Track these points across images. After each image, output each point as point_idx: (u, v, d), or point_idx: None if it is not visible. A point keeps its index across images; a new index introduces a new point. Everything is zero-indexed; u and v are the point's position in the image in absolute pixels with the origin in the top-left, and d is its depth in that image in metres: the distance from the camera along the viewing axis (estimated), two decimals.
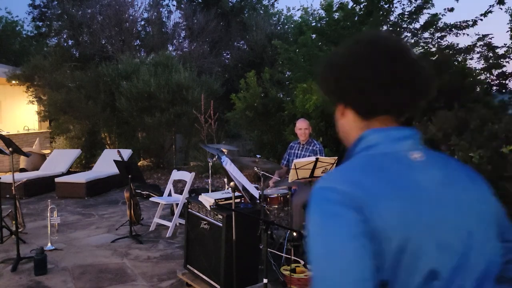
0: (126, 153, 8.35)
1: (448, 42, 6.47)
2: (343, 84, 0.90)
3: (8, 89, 12.18)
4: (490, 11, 6.18)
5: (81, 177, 7.51)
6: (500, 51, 6.13)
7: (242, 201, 3.47)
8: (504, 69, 6.21)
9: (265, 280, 2.62)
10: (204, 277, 3.46)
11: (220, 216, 3.28)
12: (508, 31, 6.17)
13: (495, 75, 6.34)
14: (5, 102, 12.65)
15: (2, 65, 12.16)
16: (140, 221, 5.41)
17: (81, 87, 10.40)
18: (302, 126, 4.67)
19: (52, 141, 12.34)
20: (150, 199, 6.14)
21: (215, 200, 3.35)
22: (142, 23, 15.64)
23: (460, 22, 6.31)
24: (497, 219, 0.99)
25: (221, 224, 3.26)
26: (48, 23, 16.52)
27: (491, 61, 6.16)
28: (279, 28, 16.25)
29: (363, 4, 6.66)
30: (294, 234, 3.74)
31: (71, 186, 7.42)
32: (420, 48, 6.73)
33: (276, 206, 4.18)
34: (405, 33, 6.75)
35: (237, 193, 3.25)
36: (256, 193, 3.25)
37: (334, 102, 0.98)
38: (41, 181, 7.82)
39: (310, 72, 6.48)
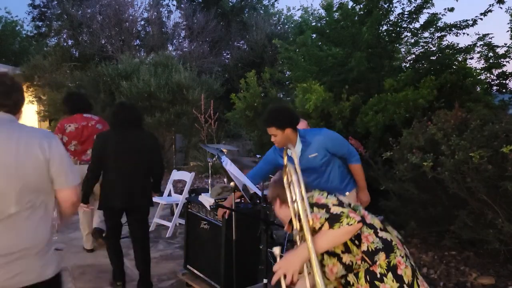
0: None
1: (448, 41, 6.45)
2: None
3: None
4: (490, 11, 6.15)
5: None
6: (500, 51, 6.12)
7: (242, 201, 3.46)
8: (504, 69, 6.20)
9: (265, 280, 2.61)
10: (204, 277, 3.46)
11: (220, 216, 3.27)
12: (508, 30, 6.15)
13: (495, 75, 6.32)
14: None
15: (2, 65, 12.15)
16: None
17: (81, 87, 10.40)
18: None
19: None
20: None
21: (215, 200, 3.34)
22: (142, 23, 15.65)
23: (460, 21, 6.29)
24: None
25: (221, 224, 3.26)
26: (48, 23, 16.51)
27: (491, 61, 6.14)
28: (279, 28, 16.24)
29: (362, 4, 6.65)
30: None
31: None
32: (420, 47, 6.72)
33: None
34: (405, 33, 6.73)
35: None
36: (258, 191, 3.24)
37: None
38: None
39: (310, 72, 6.46)
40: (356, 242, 1.76)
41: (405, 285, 1.71)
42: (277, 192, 1.99)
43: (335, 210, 1.70)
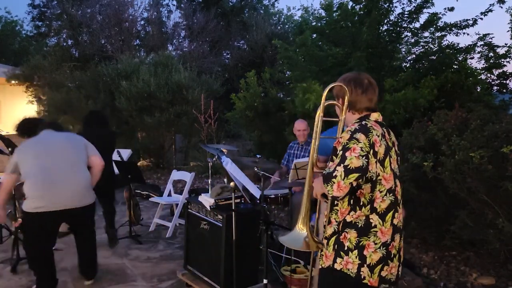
0: (126, 153, 8.32)
1: (448, 41, 6.46)
2: None
3: (8, 89, 12.17)
4: (490, 10, 6.16)
5: None
6: (501, 51, 6.12)
7: (242, 201, 3.46)
8: (504, 69, 6.20)
9: (265, 281, 2.61)
10: (204, 277, 3.45)
11: (220, 217, 3.27)
12: (508, 30, 6.15)
13: (495, 75, 6.32)
14: (4, 102, 12.64)
15: (1, 65, 12.17)
16: (139, 222, 5.40)
17: (80, 87, 10.38)
18: (300, 128, 4.66)
19: None
20: (150, 199, 6.13)
21: (215, 200, 3.34)
22: (142, 22, 15.65)
23: (460, 21, 6.29)
24: None
25: (221, 225, 3.25)
26: (47, 22, 16.52)
27: (491, 61, 6.14)
28: (279, 28, 16.25)
29: (362, 4, 6.64)
30: None
31: None
32: (420, 47, 6.72)
33: (276, 206, 4.16)
34: (405, 33, 6.73)
35: (237, 193, 3.24)
36: (257, 193, 3.23)
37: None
38: None
39: (310, 72, 6.46)
40: (352, 204, 1.88)
41: (365, 265, 1.84)
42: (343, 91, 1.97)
43: (337, 170, 1.75)
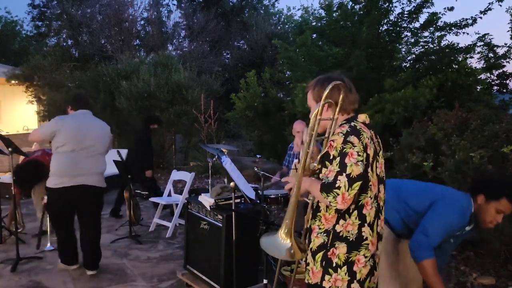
0: (126, 153, 8.31)
1: (448, 41, 6.46)
2: None
3: (8, 89, 12.17)
4: (489, 9, 6.18)
5: None
6: (501, 51, 6.13)
7: (242, 201, 3.46)
8: (504, 69, 6.21)
9: (265, 281, 2.61)
10: (204, 277, 3.45)
11: (220, 217, 3.27)
12: (508, 30, 6.17)
13: (495, 75, 6.33)
14: (4, 102, 12.64)
15: (1, 65, 12.16)
16: (139, 222, 5.40)
17: (80, 87, 10.38)
18: (299, 129, 4.65)
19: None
20: (150, 199, 6.12)
21: (215, 200, 3.34)
22: (142, 22, 15.65)
23: (459, 20, 6.30)
24: None
25: (221, 225, 3.25)
26: (47, 22, 16.52)
27: (491, 61, 6.15)
28: (279, 27, 16.25)
29: (362, 4, 6.65)
30: None
31: None
32: (420, 47, 6.72)
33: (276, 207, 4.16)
34: (405, 33, 6.74)
35: (237, 193, 3.24)
36: (252, 195, 3.23)
37: None
38: None
39: (310, 72, 6.46)
40: (340, 212, 1.76)
41: (355, 281, 1.75)
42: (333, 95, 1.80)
43: (339, 181, 1.65)
